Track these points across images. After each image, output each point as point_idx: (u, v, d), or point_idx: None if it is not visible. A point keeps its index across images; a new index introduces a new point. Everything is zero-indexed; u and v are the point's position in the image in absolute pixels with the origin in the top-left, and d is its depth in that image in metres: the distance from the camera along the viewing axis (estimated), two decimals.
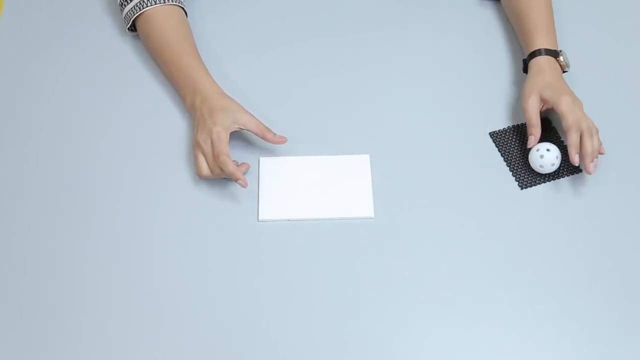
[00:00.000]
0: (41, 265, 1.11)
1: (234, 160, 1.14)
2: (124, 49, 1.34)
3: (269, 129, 1.18)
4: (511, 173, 1.20)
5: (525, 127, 1.22)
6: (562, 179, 1.19)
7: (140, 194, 1.18)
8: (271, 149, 1.22)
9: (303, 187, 1.18)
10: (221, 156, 1.13)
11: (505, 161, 1.21)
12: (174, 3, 1.27)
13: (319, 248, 1.13)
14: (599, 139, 1.17)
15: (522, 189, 1.18)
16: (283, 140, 1.18)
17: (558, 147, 1.19)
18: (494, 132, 1.24)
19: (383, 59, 1.33)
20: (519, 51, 1.33)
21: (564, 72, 1.25)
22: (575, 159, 1.15)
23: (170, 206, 1.17)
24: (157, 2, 1.26)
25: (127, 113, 1.27)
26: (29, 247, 1.13)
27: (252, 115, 1.18)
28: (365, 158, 1.21)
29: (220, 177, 1.16)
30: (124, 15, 1.30)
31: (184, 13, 1.30)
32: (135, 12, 1.27)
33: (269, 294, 1.09)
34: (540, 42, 1.24)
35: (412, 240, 1.13)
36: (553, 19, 1.29)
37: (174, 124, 1.25)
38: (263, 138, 1.18)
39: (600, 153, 1.17)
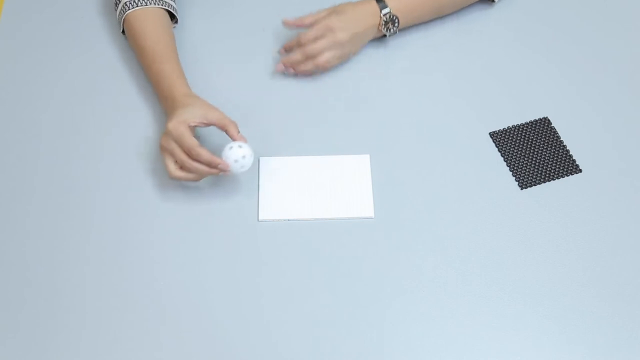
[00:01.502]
0: (42, 265, 1.11)
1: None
2: (123, 49, 1.34)
3: (234, 124, 1.13)
4: (511, 173, 1.20)
5: (525, 127, 1.22)
6: (562, 179, 1.19)
7: (142, 193, 1.18)
8: (271, 148, 1.22)
9: (303, 187, 1.18)
10: (193, 150, 1.09)
11: (505, 161, 1.21)
12: (158, 6, 1.26)
13: (318, 248, 1.13)
14: (314, 69, 1.24)
15: (522, 189, 1.18)
16: (244, 141, 1.13)
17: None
18: (494, 132, 1.24)
19: (383, 59, 1.33)
20: (520, 52, 1.33)
21: (382, 36, 1.28)
22: (278, 67, 1.25)
23: (170, 206, 1.17)
24: (139, 4, 1.25)
25: (126, 113, 1.27)
26: (30, 246, 1.13)
27: (217, 109, 1.14)
28: (365, 158, 1.21)
29: (195, 175, 1.12)
30: (117, 18, 1.30)
31: (167, 16, 1.28)
32: (121, 15, 1.27)
33: (269, 293, 1.09)
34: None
35: (412, 240, 1.13)
36: (431, 3, 1.29)
37: None
38: (226, 131, 1.13)
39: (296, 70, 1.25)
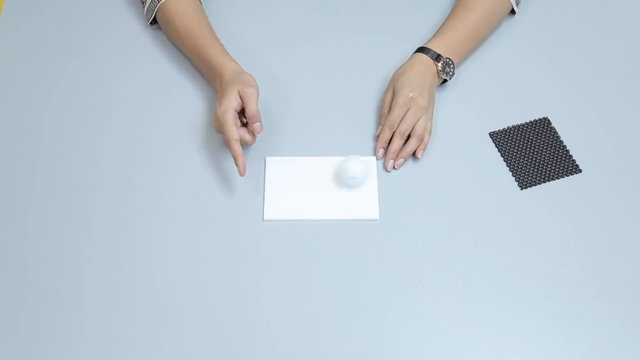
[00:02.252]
0: (42, 265, 1.11)
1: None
2: (124, 49, 1.34)
3: (258, 119, 1.15)
4: (511, 173, 1.20)
5: (525, 127, 1.22)
6: (562, 179, 1.19)
7: (142, 193, 1.18)
8: (278, 148, 1.22)
9: (309, 187, 1.18)
10: (228, 141, 1.13)
11: (505, 161, 1.21)
12: None
13: (320, 248, 1.13)
14: (419, 143, 1.19)
15: (522, 189, 1.18)
16: (259, 131, 1.16)
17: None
18: (494, 132, 1.24)
19: (388, 61, 1.32)
20: (520, 52, 1.33)
21: (444, 81, 1.25)
22: (378, 154, 1.19)
23: (175, 204, 1.17)
24: None
25: (128, 112, 1.27)
26: (30, 247, 1.13)
27: (255, 93, 1.15)
28: (372, 160, 1.21)
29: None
30: (145, 9, 1.32)
31: (199, 2, 1.31)
32: (155, 4, 1.29)
33: (272, 293, 1.09)
34: (434, 44, 1.24)
35: (412, 240, 1.13)
36: (476, 35, 1.28)
37: (177, 124, 1.25)
38: (248, 122, 1.16)
39: (415, 156, 1.20)
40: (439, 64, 1.22)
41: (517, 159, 1.21)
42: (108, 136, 1.24)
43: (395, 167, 1.19)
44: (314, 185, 1.18)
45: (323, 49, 1.35)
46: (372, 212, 1.15)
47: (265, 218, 1.15)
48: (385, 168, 1.19)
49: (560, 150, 1.22)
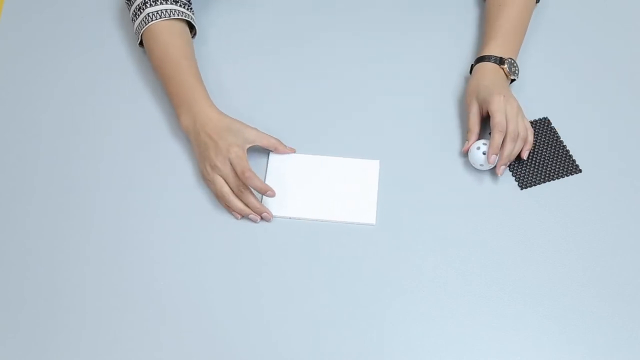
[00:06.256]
0: (42, 265, 1.11)
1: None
2: (124, 49, 1.34)
3: (280, 141, 1.19)
4: (511, 173, 1.20)
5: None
6: (562, 179, 1.19)
7: (142, 193, 1.18)
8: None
9: (309, 186, 1.18)
10: (246, 172, 1.12)
11: None
12: (179, 17, 1.24)
13: (320, 248, 1.13)
14: (523, 144, 1.18)
15: (522, 189, 1.18)
16: (293, 150, 1.20)
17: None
18: None
19: (382, 62, 1.32)
20: (520, 52, 1.33)
21: (512, 80, 1.25)
22: (490, 159, 1.16)
23: (174, 204, 1.17)
24: (162, 16, 1.23)
25: (127, 114, 1.27)
26: (30, 246, 1.13)
27: (258, 130, 1.18)
28: (375, 164, 1.20)
29: (240, 202, 1.14)
30: (134, 30, 1.28)
31: (187, 28, 1.27)
32: (141, 27, 1.25)
33: (269, 292, 1.09)
34: (491, 49, 1.24)
35: (412, 240, 1.13)
36: (521, 28, 1.29)
37: (176, 124, 1.25)
38: (275, 151, 1.19)
39: (521, 157, 1.19)
40: (505, 67, 1.23)
41: (517, 159, 1.21)
42: (108, 136, 1.24)
43: (502, 170, 1.18)
44: (314, 184, 1.18)
45: (325, 49, 1.34)
46: (368, 217, 1.15)
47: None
48: (497, 173, 1.17)
49: (560, 150, 1.22)
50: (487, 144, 1.17)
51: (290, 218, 1.15)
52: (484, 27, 1.31)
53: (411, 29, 1.37)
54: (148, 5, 1.24)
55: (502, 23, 1.27)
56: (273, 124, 1.23)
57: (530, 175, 1.20)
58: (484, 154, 1.17)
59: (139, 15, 1.25)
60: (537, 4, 1.36)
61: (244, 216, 1.15)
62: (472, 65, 1.26)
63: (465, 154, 1.20)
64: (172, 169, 1.20)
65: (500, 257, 1.12)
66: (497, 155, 1.16)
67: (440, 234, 1.14)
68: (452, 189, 1.18)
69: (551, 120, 1.25)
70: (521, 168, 1.20)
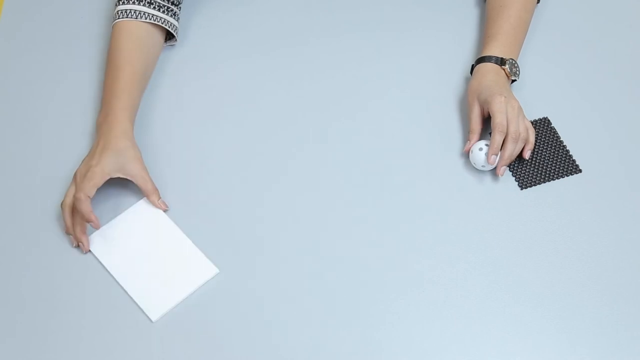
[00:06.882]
0: (42, 265, 1.11)
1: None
2: None
3: (156, 191, 1.14)
4: (511, 173, 1.20)
5: None
6: (562, 179, 1.19)
7: (140, 194, 1.18)
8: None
9: (143, 248, 1.11)
10: (82, 194, 1.08)
11: None
12: (147, 20, 1.23)
13: (325, 247, 1.12)
14: (523, 144, 1.17)
15: (522, 189, 1.18)
16: (164, 207, 1.14)
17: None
18: None
19: (382, 62, 1.33)
20: (520, 52, 1.33)
21: (512, 81, 1.25)
22: (490, 160, 1.16)
23: (171, 202, 1.17)
24: (128, 16, 1.22)
25: None
26: (30, 246, 1.13)
27: (144, 170, 1.14)
28: (212, 270, 1.09)
29: (70, 220, 1.11)
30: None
31: (158, 35, 1.26)
32: (112, 22, 1.25)
33: (270, 292, 1.09)
34: (492, 50, 1.24)
35: (413, 241, 1.13)
36: (522, 28, 1.28)
37: (170, 122, 1.25)
38: (147, 197, 1.14)
39: (523, 157, 1.19)
40: (506, 67, 1.23)
41: (517, 159, 1.21)
42: None
43: (502, 171, 1.17)
44: (149, 250, 1.10)
45: (325, 49, 1.34)
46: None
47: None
48: (498, 174, 1.17)
49: (560, 150, 1.22)
50: (489, 144, 1.17)
51: (100, 263, 1.10)
52: (485, 27, 1.31)
53: (411, 29, 1.37)
54: (120, 3, 1.25)
55: (502, 23, 1.27)
56: (270, 124, 1.23)
57: (530, 175, 1.20)
58: (485, 154, 1.17)
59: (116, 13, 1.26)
60: (538, 4, 1.36)
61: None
62: (472, 65, 1.26)
63: (466, 154, 1.20)
64: (172, 169, 1.20)
65: (500, 257, 1.12)
66: (497, 155, 1.16)
67: (440, 233, 1.14)
68: (452, 189, 1.18)
69: (551, 120, 1.25)
70: (521, 168, 1.20)
